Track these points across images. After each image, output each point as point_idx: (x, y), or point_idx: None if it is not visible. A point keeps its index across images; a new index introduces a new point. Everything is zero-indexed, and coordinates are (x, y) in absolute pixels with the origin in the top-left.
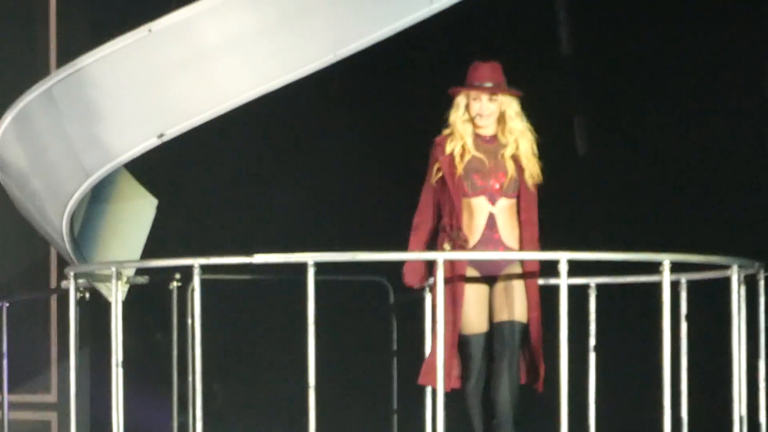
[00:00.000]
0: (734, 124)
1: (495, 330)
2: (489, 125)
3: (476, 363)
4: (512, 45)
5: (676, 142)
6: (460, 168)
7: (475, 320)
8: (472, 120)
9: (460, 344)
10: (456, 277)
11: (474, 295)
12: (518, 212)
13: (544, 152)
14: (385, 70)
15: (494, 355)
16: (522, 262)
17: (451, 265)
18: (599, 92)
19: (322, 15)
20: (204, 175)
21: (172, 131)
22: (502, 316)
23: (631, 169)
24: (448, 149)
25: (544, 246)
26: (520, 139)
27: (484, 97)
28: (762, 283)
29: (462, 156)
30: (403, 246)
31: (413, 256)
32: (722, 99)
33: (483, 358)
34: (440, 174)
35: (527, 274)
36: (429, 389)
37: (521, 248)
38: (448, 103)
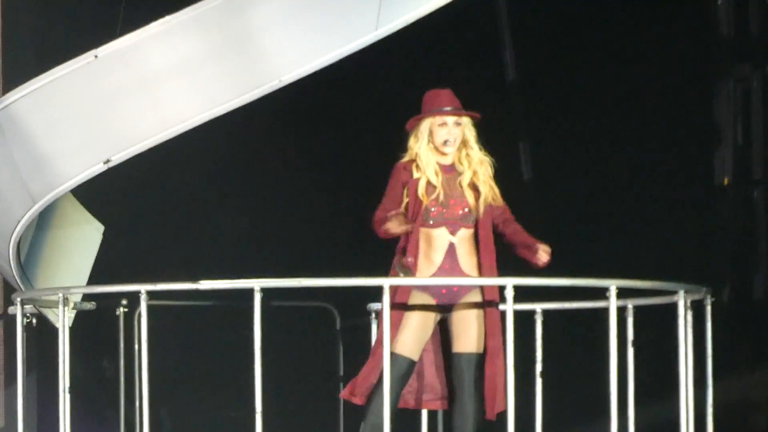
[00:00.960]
0: (680, 147)
1: (452, 361)
2: (453, 152)
3: (393, 384)
4: (457, 69)
5: (621, 166)
6: (424, 198)
7: (408, 343)
8: (435, 149)
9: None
10: (399, 304)
11: (419, 321)
12: (476, 240)
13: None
14: (328, 96)
15: (454, 386)
16: (482, 290)
17: (395, 290)
18: (544, 116)
19: (268, 40)
20: (150, 201)
21: (119, 157)
22: (458, 347)
23: (576, 193)
24: (415, 175)
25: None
26: (478, 167)
27: (450, 122)
28: (709, 308)
29: (426, 185)
30: (348, 273)
31: (359, 281)
32: (668, 122)
33: (400, 384)
34: (407, 200)
35: (486, 302)
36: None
37: (480, 275)
38: (392, 128)
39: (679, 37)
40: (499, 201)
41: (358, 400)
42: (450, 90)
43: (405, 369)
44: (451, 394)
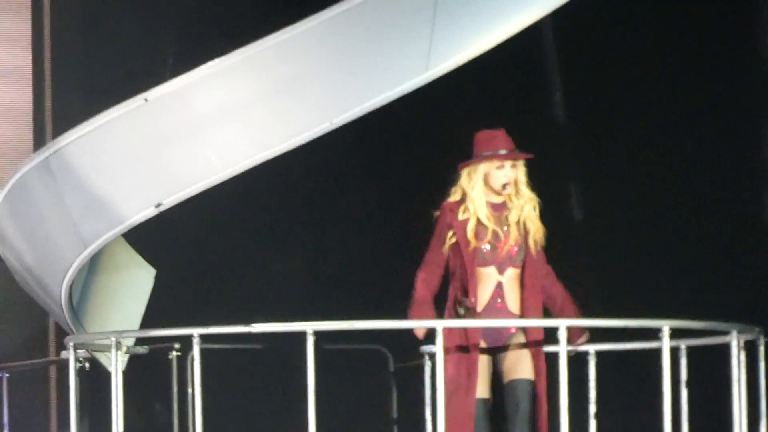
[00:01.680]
0: (732, 187)
1: (505, 391)
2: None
3: (480, 428)
4: (506, 109)
5: (672, 205)
6: (473, 240)
7: (480, 385)
8: (489, 190)
9: None
10: (470, 346)
11: (481, 362)
12: (522, 279)
13: (541, 218)
14: (379, 138)
15: (507, 415)
16: (525, 332)
17: (464, 333)
18: (594, 157)
19: (319, 83)
20: (202, 244)
21: (170, 200)
22: (510, 375)
23: (628, 233)
24: (461, 216)
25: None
26: (526, 205)
27: (508, 164)
28: (762, 348)
29: (476, 226)
30: (401, 314)
31: (413, 323)
32: (718, 162)
33: (486, 423)
34: (453, 239)
35: (531, 342)
36: None
37: (525, 315)
38: (443, 168)
39: (728, 76)
40: (540, 242)
41: None
42: (504, 131)
43: (483, 410)
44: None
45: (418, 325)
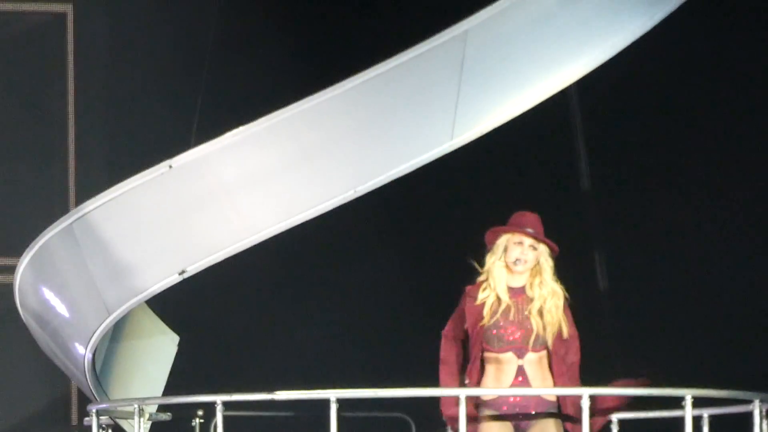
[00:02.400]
0: (755, 253)
1: None
2: (524, 274)
3: None
4: (532, 178)
5: (695, 276)
6: (486, 319)
7: None
8: (507, 267)
9: None
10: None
11: None
12: (550, 366)
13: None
14: (401, 207)
15: None
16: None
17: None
18: (619, 226)
19: (343, 150)
20: (224, 311)
21: (194, 267)
22: None
23: (651, 302)
24: (479, 298)
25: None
26: (549, 297)
27: (527, 242)
28: None
29: (492, 306)
30: (424, 382)
31: (436, 392)
32: (740, 230)
33: None
34: (465, 326)
35: (565, 416)
36: None
37: (557, 401)
38: (464, 239)
39: (753, 127)
40: (564, 334)
41: None
42: (537, 215)
43: None
44: None
45: (441, 393)
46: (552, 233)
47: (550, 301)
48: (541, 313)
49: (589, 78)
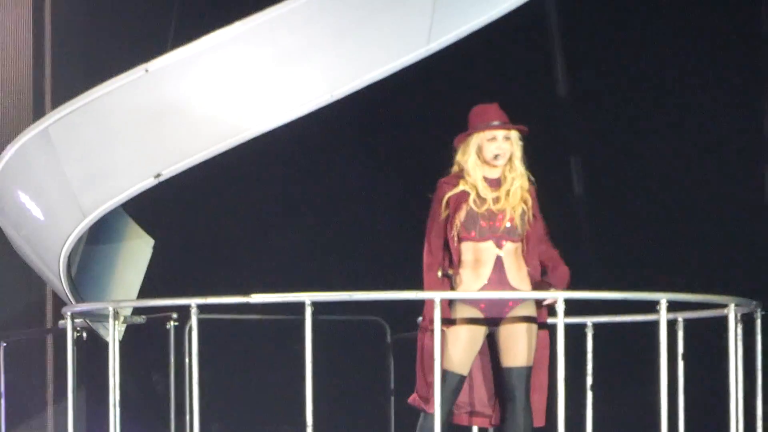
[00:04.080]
0: (731, 162)
1: (504, 375)
2: (501, 166)
3: (444, 400)
4: (508, 83)
5: (673, 181)
6: (464, 212)
7: (457, 359)
8: (483, 163)
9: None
10: (446, 318)
11: (468, 336)
12: (524, 255)
13: (540, 193)
14: (379, 112)
15: (505, 399)
16: (527, 308)
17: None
18: (595, 131)
19: (319, 55)
20: (201, 214)
21: (170, 171)
22: (508, 361)
23: (627, 207)
24: (458, 188)
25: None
26: (518, 179)
27: (500, 136)
28: (759, 321)
29: (473, 200)
30: (399, 286)
31: (410, 295)
32: (719, 138)
33: (451, 400)
34: (447, 212)
35: (531, 319)
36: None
37: (531, 288)
38: (441, 143)
39: (729, 50)
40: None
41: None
42: (497, 104)
43: (455, 385)
44: (502, 409)
45: (415, 296)
46: (528, 139)
47: (516, 182)
48: (515, 197)
49: None
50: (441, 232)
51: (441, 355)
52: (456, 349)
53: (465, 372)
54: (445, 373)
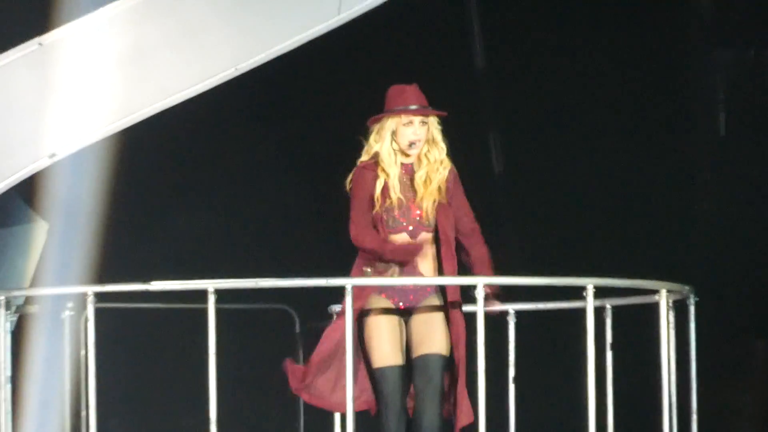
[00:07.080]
0: (657, 140)
1: (415, 364)
2: (417, 153)
3: (394, 400)
4: (423, 58)
5: (598, 159)
6: (381, 202)
7: (388, 352)
8: (399, 149)
9: (374, 381)
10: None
11: (389, 326)
12: (437, 245)
13: (459, 172)
14: (287, 89)
15: (416, 390)
16: (444, 293)
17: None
18: (514, 107)
19: (224, 27)
20: (98, 198)
21: (65, 150)
22: (421, 349)
23: (550, 187)
24: (376, 183)
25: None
26: (440, 168)
27: (417, 121)
28: (692, 308)
29: (387, 190)
30: (308, 273)
31: (320, 282)
32: (644, 114)
33: (400, 394)
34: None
35: (449, 304)
36: (338, 416)
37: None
38: (354, 122)
39: (656, 23)
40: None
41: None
42: (416, 85)
43: (397, 377)
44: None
45: (326, 283)
46: (446, 117)
47: (432, 170)
48: (430, 185)
49: None
50: (367, 211)
51: (371, 353)
52: (382, 341)
53: (400, 361)
54: (383, 371)
